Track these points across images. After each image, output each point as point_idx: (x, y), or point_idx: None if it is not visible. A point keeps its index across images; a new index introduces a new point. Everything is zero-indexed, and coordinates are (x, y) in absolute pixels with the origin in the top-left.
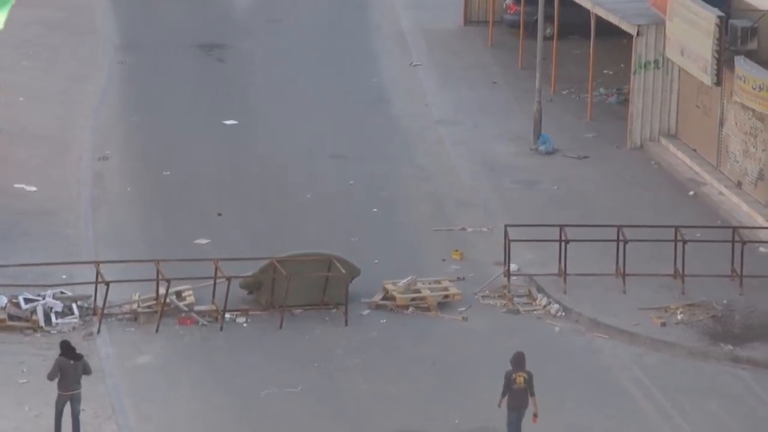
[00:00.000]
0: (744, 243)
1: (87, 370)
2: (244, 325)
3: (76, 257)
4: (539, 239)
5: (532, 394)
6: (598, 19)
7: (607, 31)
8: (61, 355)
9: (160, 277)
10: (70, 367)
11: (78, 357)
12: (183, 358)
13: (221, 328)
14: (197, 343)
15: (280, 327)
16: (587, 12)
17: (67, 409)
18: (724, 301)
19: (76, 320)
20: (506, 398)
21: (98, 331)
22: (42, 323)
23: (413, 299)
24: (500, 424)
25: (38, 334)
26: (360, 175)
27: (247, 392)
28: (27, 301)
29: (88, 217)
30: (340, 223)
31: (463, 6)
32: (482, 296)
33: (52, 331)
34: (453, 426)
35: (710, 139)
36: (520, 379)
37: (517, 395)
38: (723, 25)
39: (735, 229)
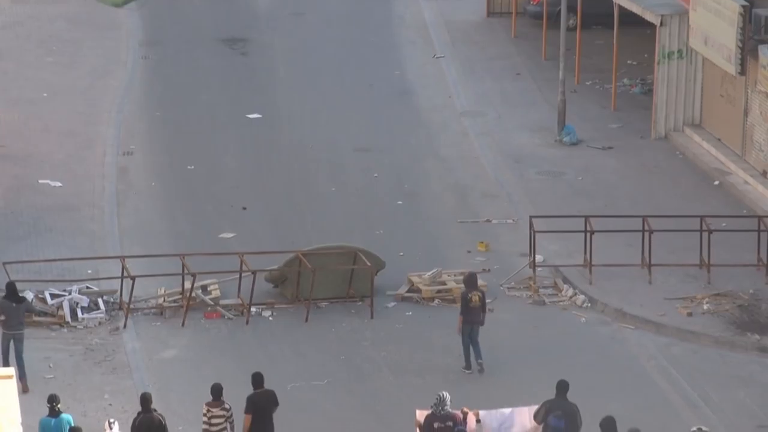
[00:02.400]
0: None
1: (30, 309)
2: (270, 318)
3: (102, 252)
4: (564, 230)
5: (484, 311)
6: (621, 9)
7: (631, 21)
8: (4, 297)
9: (186, 271)
10: (11, 309)
11: (20, 300)
12: (209, 351)
13: (247, 322)
14: (223, 337)
15: (306, 320)
16: (610, 2)
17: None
18: (751, 291)
19: (102, 315)
20: (464, 315)
21: (124, 326)
22: (68, 318)
23: (439, 291)
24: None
25: (64, 330)
26: (384, 167)
27: (273, 385)
28: (53, 296)
29: (113, 211)
30: (365, 216)
31: None
32: (508, 288)
33: (79, 327)
34: None
35: (735, 129)
36: (475, 297)
37: (473, 312)
38: (747, 14)
39: (761, 218)
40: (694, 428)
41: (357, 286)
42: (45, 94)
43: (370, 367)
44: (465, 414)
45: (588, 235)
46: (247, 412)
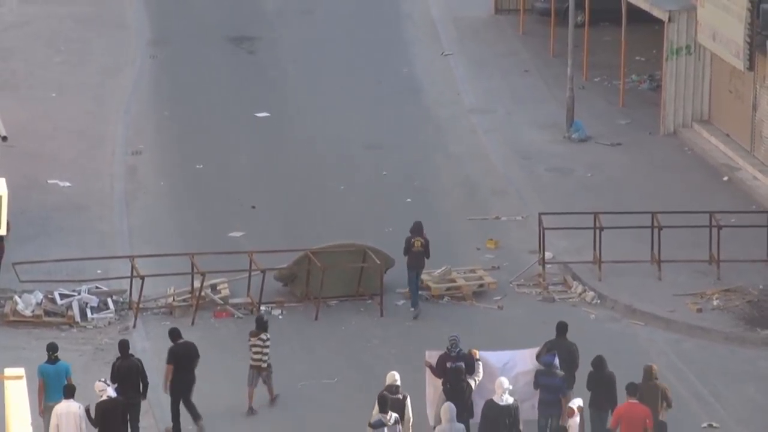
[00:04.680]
0: None
1: None
2: (280, 317)
3: (111, 252)
4: (574, 227)
5: (428, 257)
6: (629, 5)
7: (639, 17)
8: None
9: (195, 270)
10: None
11: None
12: (219, 350)
13: None
14: (233, 336)
15: (316, 318)
16: None
17: None
18: (760, 286)
19: (111, 315)
20: (407, 259)
21: (134, 326)
22: (78, 318)
23: (448, 289)
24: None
25: (74, 330)
26: (393, 164)
27: (283, 384)
28: (62, 296)
29: (122, 211)
30: (374, 214)
31: None
32: (517, 285)
33: (88, 327)
34: None
35: (743, 124)
36: (417, 243)
37: (415, 257)
38: (755, 10)
39: None
40: (705, 425)
41: (366, 284)
42: (54, 94)
43: (380, 364)
44: (473, 354)
45: (597, 231)
46: (168, 362)
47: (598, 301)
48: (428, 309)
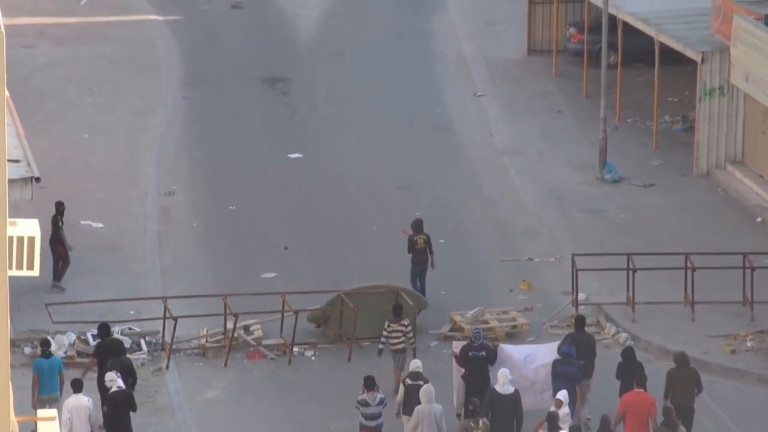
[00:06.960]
0: None
1: None
2: (313, 358)
3: (144, 293)
4: (607, 268)
5: (431, 252)
6: (662, 46)
7: (672, 58)
8: None
9: (228, 311)
10: None
11: None
12: (252, 392)
13: (290, 362)
14: (266, 377)
15: (349, 360)
16: (651, 39)
17: None
18: None
19: (144, 356)
20: (411, 256)
21: (167, 367)
22: None
23: None
24: None
25: None
26: (426, 205)
27: (316, 425)
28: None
29: (155, 252)
30: (407, 255)
31: (527, 35)
32: (550, 326)
33: None
34: None
35: None
36: (420, 240)
37: (419, 253)
38: None
39: None
40: None
41: None
42: (86, 135)
43: None
44: (495, 347)
45: (630, 272)
46: (93, 356)
47: (632, 342)
48: None
